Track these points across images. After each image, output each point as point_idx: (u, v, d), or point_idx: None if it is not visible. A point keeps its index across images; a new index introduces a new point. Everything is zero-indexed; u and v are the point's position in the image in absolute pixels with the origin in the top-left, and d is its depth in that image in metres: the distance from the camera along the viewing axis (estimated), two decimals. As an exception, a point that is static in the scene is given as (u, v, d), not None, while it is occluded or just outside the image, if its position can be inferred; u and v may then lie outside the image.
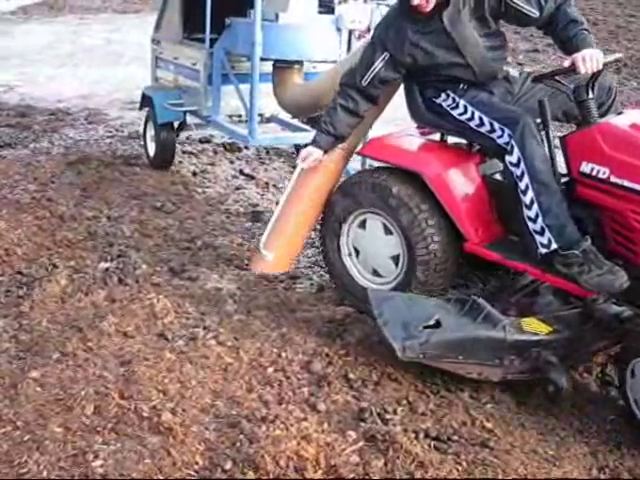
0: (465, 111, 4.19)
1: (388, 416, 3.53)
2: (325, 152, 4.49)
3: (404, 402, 3.66)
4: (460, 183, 4.20)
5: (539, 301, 4.17)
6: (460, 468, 3.21)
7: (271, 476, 3.06)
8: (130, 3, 19.89)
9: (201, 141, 8.07)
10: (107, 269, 4.91)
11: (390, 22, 4.24)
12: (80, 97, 10.21)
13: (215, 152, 7.83)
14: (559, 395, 3.56)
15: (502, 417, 3.55)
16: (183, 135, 8.28)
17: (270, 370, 3.86)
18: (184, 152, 7.74)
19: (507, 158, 3.98)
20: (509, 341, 3.62)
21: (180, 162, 7.45)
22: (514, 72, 4.45)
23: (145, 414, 3.45)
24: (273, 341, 4.13)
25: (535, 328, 3.69)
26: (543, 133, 4.01)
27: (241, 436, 3.31)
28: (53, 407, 3.50)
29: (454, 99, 4.23)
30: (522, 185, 3.92)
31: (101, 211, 6.00)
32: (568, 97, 4.10)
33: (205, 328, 4.23)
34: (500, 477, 3.19)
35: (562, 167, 4.03)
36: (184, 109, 6.99)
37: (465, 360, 3.67)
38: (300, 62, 6.26)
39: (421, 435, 3.40)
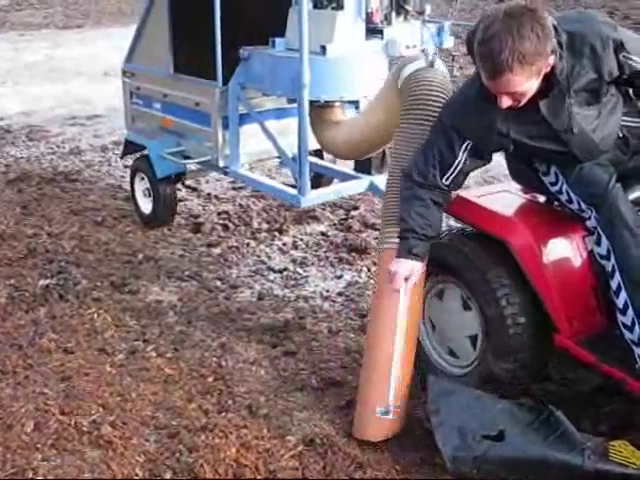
0: (556, 181, 3.31)
1: (328, 420, 3.57)
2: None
3: (343, 404, 3.70)
4: (555, 258, 3.34)
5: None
6: (399, 468, 3.26)
7: (210, 484, 3.09)
8: (72, 19, 19.74)
9: (143, 154, 8.05)
10: (47, 286, 4.92)
11: (467, 107, 3.21)
12: (21, 114, 10.11)
13: (157, 165, 7.82)
14: None
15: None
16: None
17: (210, 379, 3.89)
18: (126, 166, 7.67)
19: (595, 249, 3.23)
20: (587, 470, 2.87)
21: (122, 176, 7.42)
22: (635, 121, 3.37)
23: (85, 429, 3.47)
24: (213, 350, 4.17)
25: (625, 458, 2.91)
26: None
27: (180, 446, 3.34)
28: (-8, 426, 3.51)
29: (548, 164, 3.33)
30: (614, 284, 3.14)
31: (42, 228, 5.97)
32: None
33: (145, 341, 4.27)
34: (438, 474, 3.22)
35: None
36: (193, 161, 5.78)
37: None
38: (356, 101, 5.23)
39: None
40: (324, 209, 6.03)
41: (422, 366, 3.75)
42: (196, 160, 5.70)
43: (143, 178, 6.05)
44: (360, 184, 5.38)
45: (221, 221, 6.13)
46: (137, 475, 3.18)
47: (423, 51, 3.86)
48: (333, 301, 4.85)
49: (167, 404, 3.68)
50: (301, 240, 5.78)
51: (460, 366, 3.69)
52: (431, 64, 3.70)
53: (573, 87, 3.05)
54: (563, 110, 3.07)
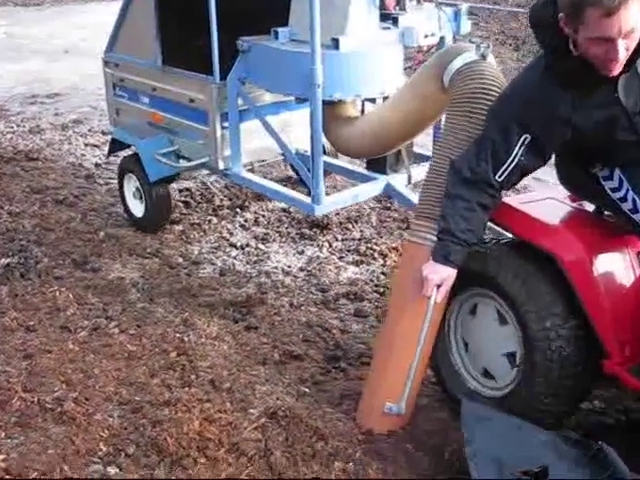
0: (619, 187, 3.00)
1: (290, 392, 3.62)
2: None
3: (305, 377, 3.77)
4: (608, 275, 3.01)
5: None
6: (360, 438, 3.31)
7: (174, 457, 3.11)
8: (31, -5, 19.53)
9: (104, 132, 8.01)
10: (8, 265, 4.90)
11: (528, 94, 2.94)
12: (-20, 93, 10.04)
13: (118, 143, 7.78)
14: None
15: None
16: (85, 127, 8.26)
17: (173, 355, 3.90)
18: (86, 144, 7.68)
19: None
20: None
21: (83, 155, 7.39)
22: None
23: (48, 405, 3.46)
24: (176, 326, 4.18)
25: None
26: None
27: (144, 420, 3.35)
28: (-45, 406, 3.50)
29: (611, 167, 3.04)
30: None
31: (2, 207, 5.93)
32: None
33: (108, 318, 4.28)
34: (399, 443, 3.29)
35: None
36: (190, 164, 5.19)
37: None
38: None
39: (324, 406, 3.53)
40: (285, 185, 5.93)
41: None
42: (193, 163, 5.16)
43: (133, 179, 5.61)
44: (376, 186, 4.93)
45: (183, 198, 6.14)
46: (101, 450, 3.20)
47: (473, 42, 3.58)
48: (295, 276, 4.90)
49: (130, 380, 3.69)
50: (263, 216, 5.81)
51: (497, 388, 3.40)
52: (483, 56, 3.45)
53: None
54: (637, 90, 2.80)
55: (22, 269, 4.83)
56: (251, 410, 3.45)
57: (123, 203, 5.80)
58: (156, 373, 3.75)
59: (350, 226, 5.56)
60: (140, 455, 3.16)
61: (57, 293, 4.51)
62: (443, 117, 3.79)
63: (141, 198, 5.55)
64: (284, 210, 5.86)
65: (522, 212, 3.24)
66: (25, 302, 4.43)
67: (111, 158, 7.13)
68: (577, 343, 3.05)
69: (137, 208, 5.63)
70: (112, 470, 3.09)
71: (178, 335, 4.07)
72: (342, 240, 5.39)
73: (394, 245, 5.27)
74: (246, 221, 5.74)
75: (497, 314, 3.30)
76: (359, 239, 5.40)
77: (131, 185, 5.65)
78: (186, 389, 3.59)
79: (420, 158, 5.10)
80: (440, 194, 3.24)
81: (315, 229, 5.52)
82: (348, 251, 5.24)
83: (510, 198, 3.34)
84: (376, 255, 5.16)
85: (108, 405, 3.50)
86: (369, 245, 5.29)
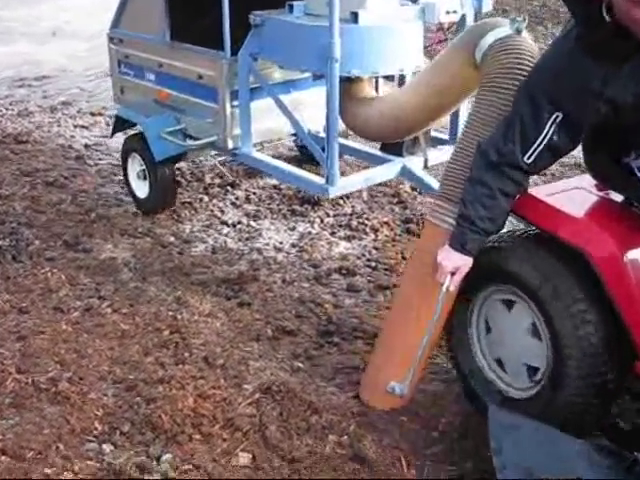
0: None
1: (284, 368, 3.64)
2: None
3: (299, 352, 3.77)
4: None
5: None
6: (356, 409, 3.33)
7: (169, 434, 3.12)
8: (17, -22, 19.39)
9: (92, 114, 8.00)
10: (0, 247, 4.89)
11: (559, 66, 2.74)
12: (-32, 77, 9.99)
13: (107, 124, 7.72)
14: None
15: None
16: (74, 109, 8.24)
17: (166, 333, 3.91)
18: (76, 126, 7.66)
19: None
20: None
21: (72, 136, 7.37)
22: None
23: (43, 386, 3.47)
24: (169, 305, 4.19)
25: None
26: None
27: (138, 398, 3.37)
28: (-50, 389, 3.51)
29: None
30: None
31: (-8, 191, 5.93)
32: None
33: (100, 298, 4.29)
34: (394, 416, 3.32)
35: None
36: (198, 143, 5.02)
37: None
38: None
39: (318, 380, 3.55)
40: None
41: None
42: (200, 142, 4.99)
43: (137, 159, 5.48)
44: (392, 168, 4.76)
45: (174, 177, 6.12)
46: (96, 428, 3.21)
47: (511, 17, 3.36)
48: (287, 252, 4.90)
49: (124, 358, 3.70)
50: (254, 194, 5.80)
51: (521, 389, 3.20)
52: (518, 31, 3.23)
53: None
54: None
55: (13, 251, 4.83)
56: (245, 386, 3.47)
57: (126, 183, 5.70)
58: (150, 351, 3.76)
59: (341, 201, 5.55)
60: (135, 432, 3.18)
61: (49, 274, 4.52)
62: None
63: (145, 178, 5.44)
64: (275, 187, 5.86)
65: (548, 204, 3.00)
66: (17, 284, 4.44)
67: (101, 139, 7.18)
68: (607, 342, 2.83)
69: (141, 189, 5.53)
70: (107, 448, 3.11)
71: (171, 313, 4.08)
72: (333, 216, 5.39)
73: (385, 220, 5.28)
74: (237, 199, 5.72)
75: (532, 326, 3.06)
76: (350, 214, 5.40)
77: (135, 165, 5.53)
78: (180, 366, 3.61)
79: (437, 142, 4.98)
80: (463, 175, 3.11)
81: (306, 205, 5.52)
82: (340, 226, 5.24)
83: (535, 189, 3.12)
84: (367, 230, 5.16)
85: (102, 384, 3.52)
86: (360, 220, 5.29)
